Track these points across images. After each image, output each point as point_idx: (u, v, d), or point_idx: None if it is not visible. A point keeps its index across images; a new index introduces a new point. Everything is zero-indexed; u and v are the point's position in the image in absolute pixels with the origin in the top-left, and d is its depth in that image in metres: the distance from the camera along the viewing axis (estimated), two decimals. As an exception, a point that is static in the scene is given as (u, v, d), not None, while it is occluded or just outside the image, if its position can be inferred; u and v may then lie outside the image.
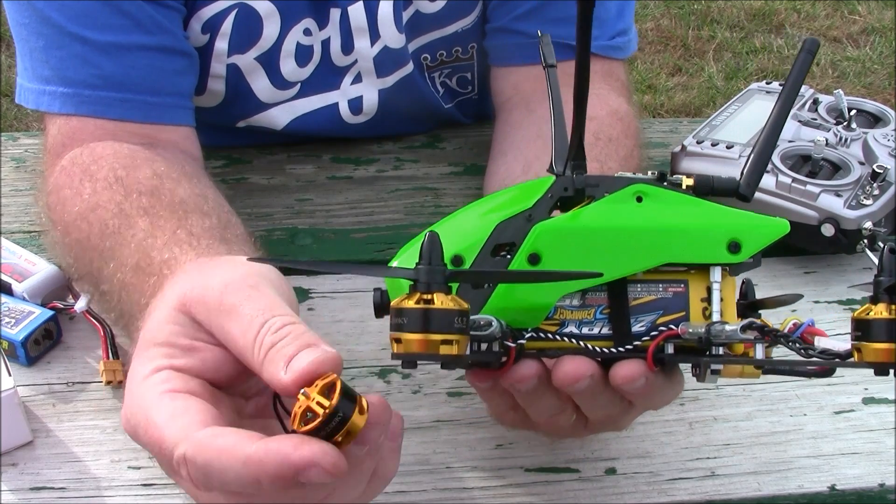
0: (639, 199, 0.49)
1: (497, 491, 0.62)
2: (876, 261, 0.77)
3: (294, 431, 0.43)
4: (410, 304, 0.43)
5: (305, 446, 0.42)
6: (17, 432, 0.62)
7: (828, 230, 0.77)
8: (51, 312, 0.69)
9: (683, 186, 0.50)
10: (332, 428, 0.43)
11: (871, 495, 0.63)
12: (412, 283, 0.43)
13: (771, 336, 0.46)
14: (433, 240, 0.43)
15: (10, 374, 0.62)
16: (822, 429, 0.67)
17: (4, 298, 0.70)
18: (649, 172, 0.51)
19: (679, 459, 0.64)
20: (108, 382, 0.66)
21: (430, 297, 0.42)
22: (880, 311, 0.42)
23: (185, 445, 0.44)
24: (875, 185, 0.80)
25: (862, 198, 0.79)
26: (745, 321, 0.47)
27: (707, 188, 0.50)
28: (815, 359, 0.45)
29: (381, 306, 0.51)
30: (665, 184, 0.50)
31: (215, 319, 0.48)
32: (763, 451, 0.65)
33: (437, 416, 0.66)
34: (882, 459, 0.65)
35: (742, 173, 0.51)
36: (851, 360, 0.44)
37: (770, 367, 0.48)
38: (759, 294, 0.53)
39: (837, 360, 0.45)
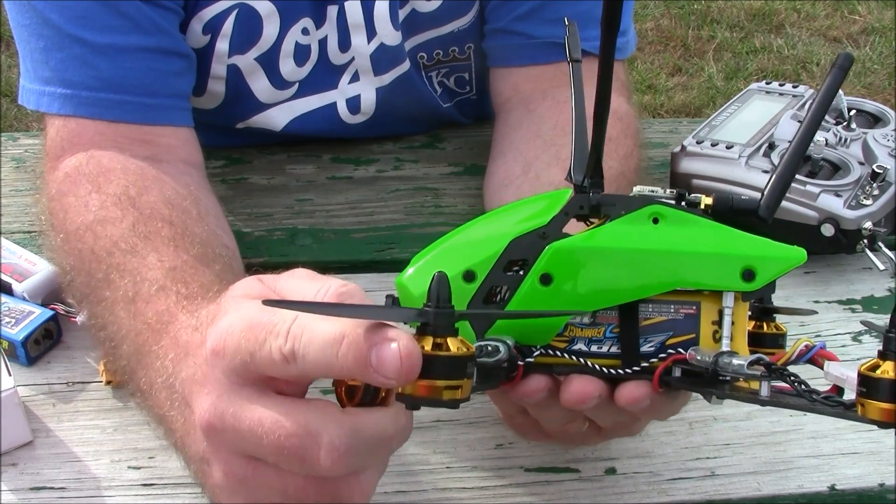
0: (655, 221, 0.48)
1: (497, 491, 0.62)
2: (876, 261, 0.78)
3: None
4: None
5: (395, 331, 0.42)
6: (17, 432, 0.62)
7: (828, 230, 0.77)
8: (51, 312, 0.69)
9: (702, 206, 0.49)
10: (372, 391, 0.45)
11: (870, 495, 0.63)
12: (419, 325, 0.42)
13: (777, 374, 0.46)
14: (441, 280, 0.42)
15: (10, 374, 0.62)
16: (822, 429, 0.67)
17: (4, 298, 0.70)
18: (668, 190, 0.50)
19: (679, 459, 0.64)
20: (108, 382, 0.66)
21: (439, 341, 0.42)
22: (887, 370, 0.41)
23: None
24: (875, 185, 0.80)
25: (862, 198, 0.79)
26: (753, 357, 0.46)
27: (726, 208, 0.49)
28: (818, 405, 0.44)
29: None
30: (683, 204, 0.49)
31: (282, 285, 0.48)
32: (763, 451, 0.65)
33: (437, 415, 0.66)
34: (882, 459, 0.65)
35: (763, 193, 0.50)
36: (855, 411, 0.43)
37: (773, 404, 0.47)
38: None
39: (841, 407, 0.44)
